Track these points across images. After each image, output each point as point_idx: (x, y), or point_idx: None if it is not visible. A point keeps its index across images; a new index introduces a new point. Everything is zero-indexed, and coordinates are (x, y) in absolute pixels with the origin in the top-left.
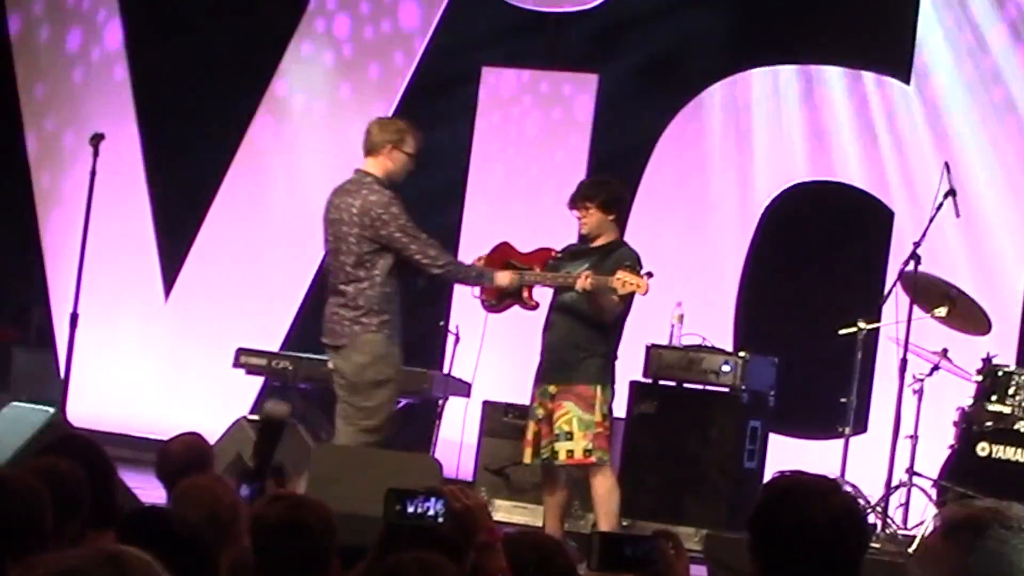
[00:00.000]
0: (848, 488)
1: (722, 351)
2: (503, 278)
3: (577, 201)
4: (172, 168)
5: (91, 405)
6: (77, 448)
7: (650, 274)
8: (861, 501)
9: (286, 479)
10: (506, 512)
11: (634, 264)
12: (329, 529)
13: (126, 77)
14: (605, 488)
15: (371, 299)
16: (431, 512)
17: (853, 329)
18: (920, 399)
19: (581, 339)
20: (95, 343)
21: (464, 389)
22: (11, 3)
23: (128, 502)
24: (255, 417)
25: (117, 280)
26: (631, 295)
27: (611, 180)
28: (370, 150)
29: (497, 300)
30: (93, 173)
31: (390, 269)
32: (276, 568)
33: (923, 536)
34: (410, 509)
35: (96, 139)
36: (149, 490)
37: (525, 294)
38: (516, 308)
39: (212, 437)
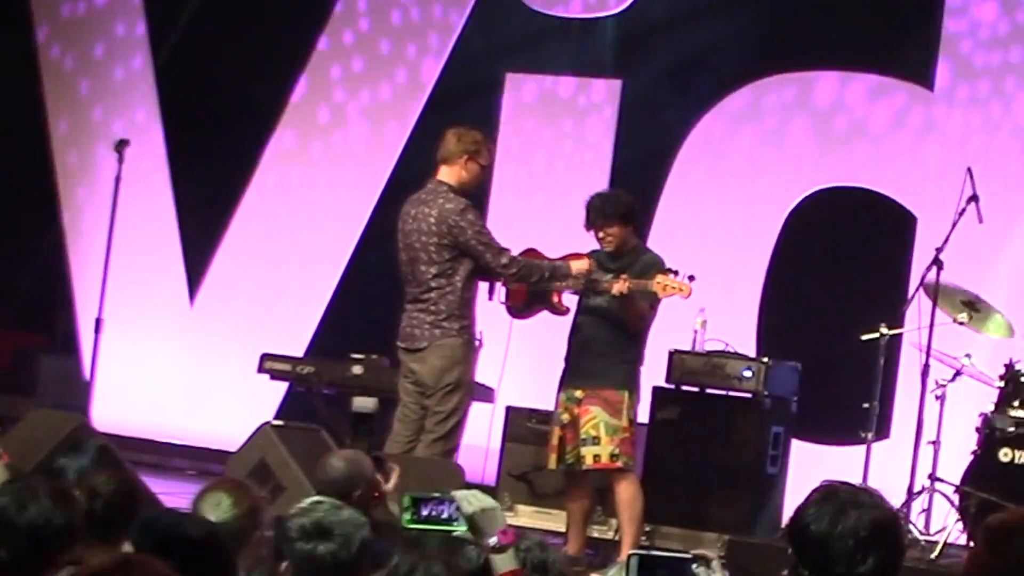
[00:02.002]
0: (889, 503)
1: (745, 356)
2: (579, 266)
3: (598, 221)
4: (197, 173)
5: (116, 410)
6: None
7: (692, 277)
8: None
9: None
10: (528, 517)
11: (663, 267)
12: (358, 534)
13: (152, 83)
14: (629, 494)
15: (452, 304)
16: (445, 515)
17: (876, 334)
18: (942, 405)
19: (609, 344)
20: (120, 348)
21: (488, 395)
22: (38, 13)
23: (152, 507)
24: (279, 423)
25: (142, 285)
26: (659, 301)
27: (618, 192)
28: (445, 159)
29: (525, 306)
30: (118, 179)
31: (469, 274)
32: (304, 572)
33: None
34: (424, 512)
35: (121, 145)
36: (173, 495)
37: (555, 299)
38: (538, 314)
39: (237, 442)
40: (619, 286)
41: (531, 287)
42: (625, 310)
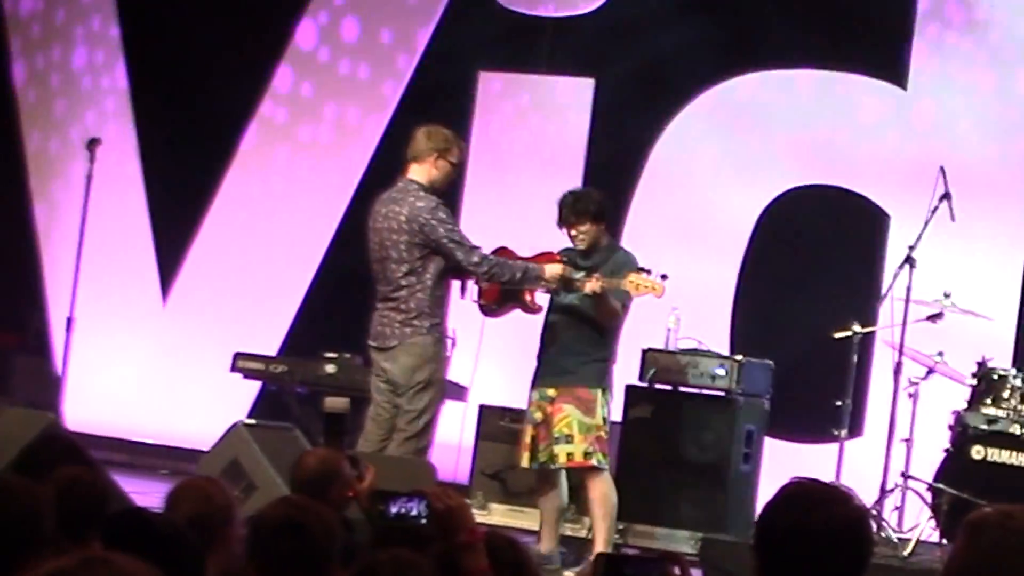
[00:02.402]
0: (859, 500)
1: (717, 355)
2: (552, 270)
3: (571, 219)
4: (169, 172)
5: (88, 409)
6: (60, 452)
7: (665, 276)
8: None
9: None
10: (501, 516)
11: (635, 266)
12: (329, 532)
13: (124, 81)
14: (602, 492)
15: (422, 302)
16: (414, 512)
17: (848, 332)
18: (915, 402)
19: (581, 342)
20: (93, 347)
21: (460, 393)
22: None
23: (123, 505)
24: (252, 421)
25: (114, 284)
26: (632, 299)
27: (589, 190)
28: (415, 157)
29: (497, 304)
30: (90, 177)
31: (440, 273)
32: (274, 569)
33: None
34: (393, 510)
35: (92, 144)
36: (145, 494)
37: (528, 297)
38: (510, 313)
39: (209, 441)
40: (592, 285)
41: (503, 287)
42: (598, 308)
